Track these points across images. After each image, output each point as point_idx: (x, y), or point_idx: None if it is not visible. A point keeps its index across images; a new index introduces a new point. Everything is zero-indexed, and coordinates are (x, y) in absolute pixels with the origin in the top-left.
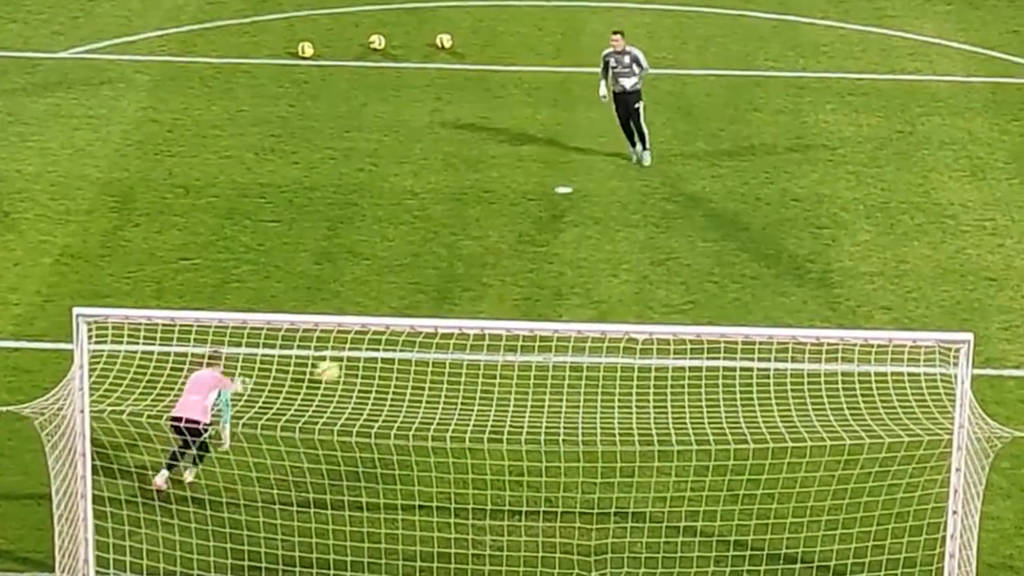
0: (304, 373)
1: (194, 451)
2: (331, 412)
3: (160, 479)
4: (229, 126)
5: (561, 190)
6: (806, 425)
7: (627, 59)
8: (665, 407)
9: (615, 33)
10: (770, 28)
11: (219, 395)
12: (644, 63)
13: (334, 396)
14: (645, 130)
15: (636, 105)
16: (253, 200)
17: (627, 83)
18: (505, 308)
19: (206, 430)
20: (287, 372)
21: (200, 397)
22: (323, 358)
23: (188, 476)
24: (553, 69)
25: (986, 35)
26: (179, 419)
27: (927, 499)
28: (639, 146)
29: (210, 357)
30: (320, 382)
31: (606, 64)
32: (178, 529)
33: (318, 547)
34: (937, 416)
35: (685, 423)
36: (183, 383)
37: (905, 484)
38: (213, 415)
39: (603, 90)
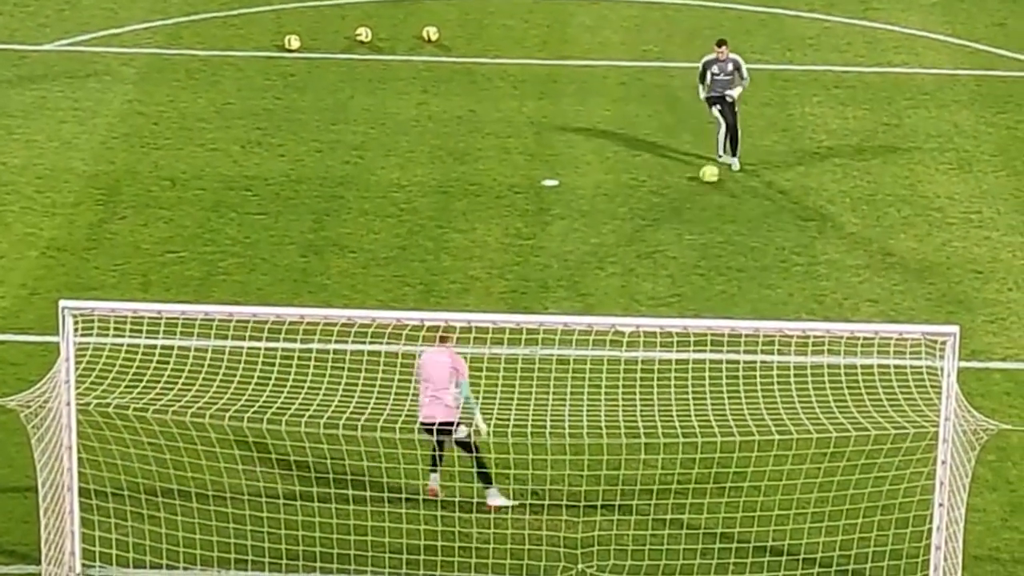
0: (290, 366)
1: (474, 468)
2: (318, 405)
3: (433, 483)
4: (215, 119)
5: (547, 183)
6: (792, 418)
7: (730, 66)
8: (651, 400)
9: (720, 44)
10: (756, 21)
11: (459, 386)
12: (745, 73)
13: (320, 389)
14: (739, 135)
15: (735, 111)
16: (239, 193)
17: (733, 93)
18: (491, 301)
19: (457, 427)
20: (273, 365)
21: (443, 395)
22: (309, 351)
23: (493, 500)
24: (540, 62)
25: (972, 27)
26: (431, 423)
27: (913, 491)
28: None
29: (443, 333)
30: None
31: (705, 69)
32: (164, 522)
33: (304, 540)
34: (923, 409)
35: (671, 416)
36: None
37: (891, 476)
38: (462, 410)
39: (703, 92)
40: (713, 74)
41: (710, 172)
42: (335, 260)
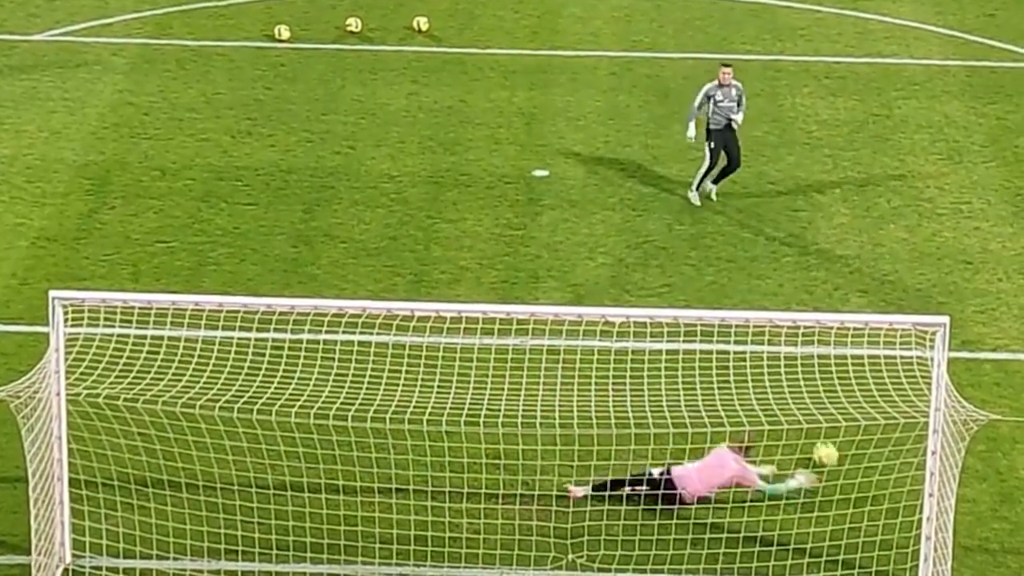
0: (280, 356)
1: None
2: (308, 395)
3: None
4: (205, 109)
5: (538, 173)
6: (782, 408)
7: (734, 92)
8: (642, 390)
9: (725, 66)
10: (747, 11)
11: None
12: (743, 101)
13: (310, 379)
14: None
15: (738, 143)
16: (229, 183)
17: (738, 117)
18: (482, 291)
19: None
20: (263, 355)
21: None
22: (300, 341)
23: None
24: (530, 52)
25: (963, 18)
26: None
27: (903, 482)
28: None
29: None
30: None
31: (708, 98)
32: (155, 512)
33: (295, 530)
34: (913, 399)
35: (662, 406)
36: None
37: (881, 467)
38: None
39: (692, 131)
40: (718, 101)
41: (826, 454)
42: (325, 250)
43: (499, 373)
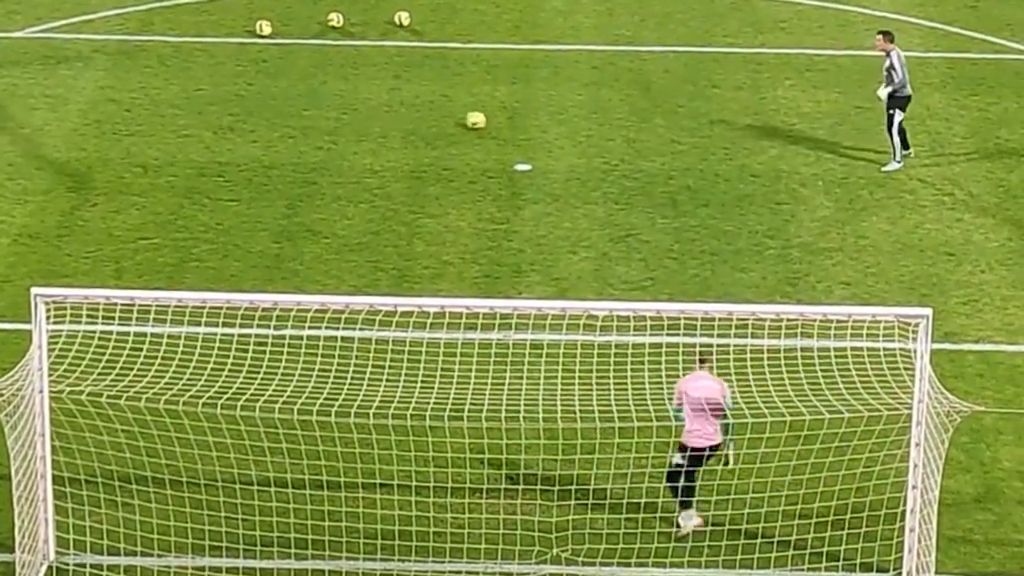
0: (263, 352)
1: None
2: (291, 391)
3: (689, 521)
4: (187, 105)
5: (520, 167)
6: (766, 401)
7: (887, 63)
8: (625, 384)
9: (877, 33)
10: (728, 4)
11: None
12: (897, 74)
13: (294, 375)
14: (893, 141)
15: (889, 111)
16: (212, 179)
17: (880, 92)
18: (464, 286)
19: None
20: (247, 351)
21: (714, 419)
22: (283, 337)
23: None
24: (512, 46)
25: (943, 10)
26: (702, 449)
27: (887, 474)
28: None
29: (702, 356)
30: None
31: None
32: (139, 509)
33: (279, 526)
34: (897, 391)
35: (645, 400)
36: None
37: (865, 459)
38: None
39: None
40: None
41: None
42: (308, 246)
43: (482, 368)
